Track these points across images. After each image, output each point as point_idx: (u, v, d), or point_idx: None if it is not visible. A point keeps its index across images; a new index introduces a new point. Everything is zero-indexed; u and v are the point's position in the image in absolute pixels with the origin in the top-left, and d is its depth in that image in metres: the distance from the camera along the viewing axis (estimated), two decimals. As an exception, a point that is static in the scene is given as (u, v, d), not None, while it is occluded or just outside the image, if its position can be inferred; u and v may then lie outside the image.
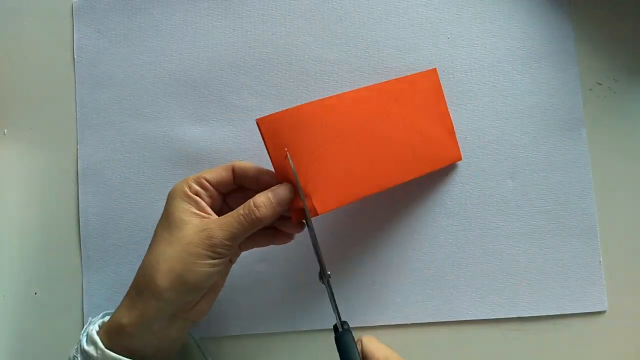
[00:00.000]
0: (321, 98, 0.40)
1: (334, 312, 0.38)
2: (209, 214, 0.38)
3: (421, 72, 0.46)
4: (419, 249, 0.46)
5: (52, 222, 0.49)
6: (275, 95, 0.48)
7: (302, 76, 0.48)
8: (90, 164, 0.49)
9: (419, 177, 0.43)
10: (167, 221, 0.38)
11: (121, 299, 0.47)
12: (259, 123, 0.38)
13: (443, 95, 0.46)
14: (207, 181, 0.39)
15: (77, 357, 0.38)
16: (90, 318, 0.41)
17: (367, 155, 0.41)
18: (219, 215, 0.38)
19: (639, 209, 0.45)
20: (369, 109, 0.41)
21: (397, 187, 0.42)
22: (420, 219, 0.46)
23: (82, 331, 0.39)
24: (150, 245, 0.39)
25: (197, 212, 0.38)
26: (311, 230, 0.38)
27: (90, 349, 0.37)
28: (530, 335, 0.44)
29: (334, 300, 0.38)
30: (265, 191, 0.38)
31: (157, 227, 0.39)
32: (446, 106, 0.46)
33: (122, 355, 0.36)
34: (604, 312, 0.44)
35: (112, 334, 0.37)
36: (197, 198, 0.38)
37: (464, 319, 0.45)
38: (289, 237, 0.41)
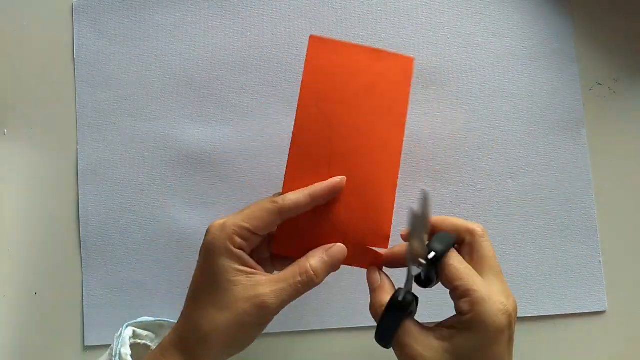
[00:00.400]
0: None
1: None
2: (254, 268, 0.35)
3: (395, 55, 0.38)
4: (419, 249, 0.46)
5: (52, 222, 0.49)
6: (276, 95, 0.48)
7: (301, 76, 0.48)
8: (90, 164, 0.49)
9: None
10: (210, 280, 0.35)
11: (121, 298, 0.47)
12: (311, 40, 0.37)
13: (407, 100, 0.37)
14: (250, 231, 0.35)
15: None
16: (121, 328, 0.40)
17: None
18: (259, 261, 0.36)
19: (639, 209, 0.45)
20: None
21: (398, 186, 0.42)
22: (420, 219, 0.46)
23: (116, 347, 0.38)
24: (192, 303, 0.36)
25: (243, 268, 0.35)
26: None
27: None
28: (530, 335, 0.44)
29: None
30: (319, 252, 0.36)
31: (197, 282, 0.36)
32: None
33: None
34: (604, 312, 0.44)
35: None
36: (241, 253, 0.35)
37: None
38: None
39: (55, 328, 0.48)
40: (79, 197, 0.49)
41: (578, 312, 0.44)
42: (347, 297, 0.46)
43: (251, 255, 0.36)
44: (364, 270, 0.46)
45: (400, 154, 0.36)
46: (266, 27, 0.49)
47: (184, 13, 0.50)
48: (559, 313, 0.44)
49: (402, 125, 0.37)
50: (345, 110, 0.37)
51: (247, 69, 0.49)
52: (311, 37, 0.37)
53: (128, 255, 0.48)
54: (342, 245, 0.36)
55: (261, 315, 0.34)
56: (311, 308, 0.46)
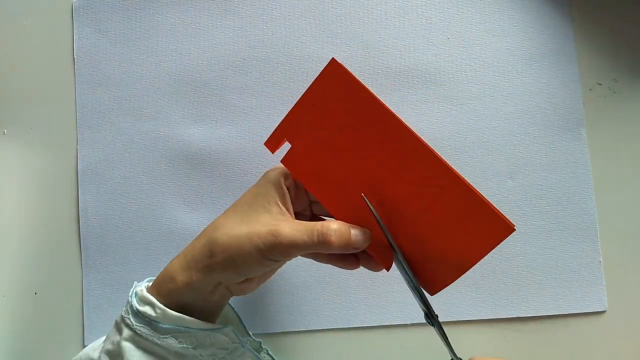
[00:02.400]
0: (394, 114, 0.35)
1: (449, 350, 0.36)
2: (289, 211, 0.37)
3: (496, 215, 0.33)
4: (419, 249, 0.46)
5: (52, 222, 0.49)
6: (275, 95, 0.48)
7: (302, 76, 0.48)
8: (90, 164, 0.49)
9: None
10: (251, 198, 0.37)
11: (121, 298, 0.47)
12: (332, 62, 0.35)
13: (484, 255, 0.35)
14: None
15: (128, 319, 0.37)
16: (135, 282, 0.40)
17: (367, 190, 0.36)
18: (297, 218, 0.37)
19: (639, 209, 0.45)
20: (415, 171, 0.35)
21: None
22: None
23: (131, 294, 0.38)
24: (226, 211, 0.38)
25: (280, 205, 0.37)
26: (407, 274, 0.35)
27: (147, 309, 0.37)
28: (530, 335, 0.44)
29: (447, 339, 0.36)
30: (347, 225, 0.35)
31: (241, 198, 0.38)
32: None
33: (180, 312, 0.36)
34: (604, 312, 0.44)
35: (163, 290, 0.37)
36: (287, 192, 0.37)
37: (464, 319, 0.45)
38: (355, 264, 0.39)
39: (55, 328, 0.48)
40: (79, 197, 0.49)
41: (578, 312, 0.44)
42: (346, 297, 0.46)
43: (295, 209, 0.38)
44: (363, 270, 0.46)
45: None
46: (266, 27, 0.49)
47: (184, 13, 0.50)
48: (559, 313, 0.44)
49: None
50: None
51: (247, 69, 0.49)
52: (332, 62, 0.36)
53: (128, 255, 0.48)
54: (370, 232, 0.36)
55: (268, 242, 0.34)
56: (311, 308, 0.46)
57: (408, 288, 0.36)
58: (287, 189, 0.37)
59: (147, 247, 0.48)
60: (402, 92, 0.47)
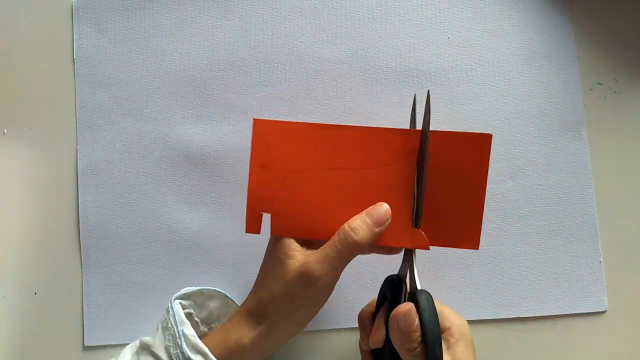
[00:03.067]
0: (328, 124, 0.37)
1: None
2: (312, 248, 0.37)
3: (471, 133, 0.36)
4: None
5: (52, 222, 0.49)
6: (275, 95, 0.48)
7: (301, 76, 0.48)
8: (90, 164, 0.49)
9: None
10: (273, 254, 0.37)
11: (121, 298, 0.47)
12: (255, 123, 0.37)
13: (486, 171, 0.36)
14: None
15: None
16: (169, 307, 0.40)
17: (353, 199, 0.37)
18: None
19: (639, 209, 0.45)
20: (380, 152, 0.36)
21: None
22: (420, 219, 0.46)
23: (179, 334, 0.38)
24: (259, 278, 0.39)
25: (300, 247, 0.37)
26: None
27: (199, 359, 0.37)
28: (530, 335, 0.44)
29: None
30: (360, 213, 0.36)
31: (264, 258, 0.39)
32: (485, 185, 0.36)
33: None
34: (604, 312, 0.44)
35: (225, 350, 0.37)
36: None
37: (465, 319, 0.45)
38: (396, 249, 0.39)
39: (55, 328, 0.48)
40: (79, 197, 0.49)
41: (578, 312, 0.44)
42: (346, 298, 0.46)
43: None
44: (364, 270, 0.46)
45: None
46: (266, 27, 0.49)
47: (184, 13, 0.50)
48: (559, 313, 0.44)
49: None
50: None
51: (247, 69, 0.49)
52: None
53: (128, 255, 0.48)
54: (384, 203, 0.36)
55: (306, 284, 0.35)
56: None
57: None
58: None
59: (147, 247, 0.48)
60: (402, 92, 0.47)
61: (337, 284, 0.46)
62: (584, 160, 0.45)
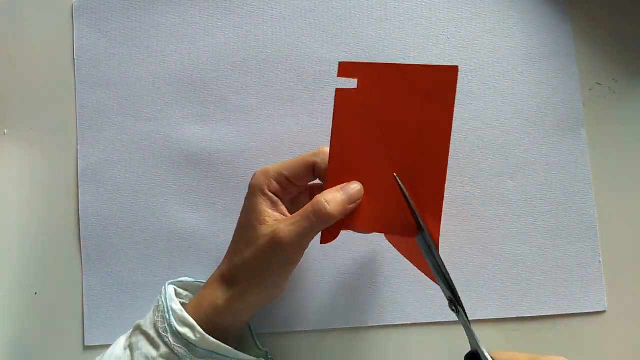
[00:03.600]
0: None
1: (471, 339, 0.34)
2: (283, 214, 0.38)
3: (437, 66, 0.34)
4: (419, 249, 0.46)
5: (52, 222, 0.49)
6: (275, 95, 0.48)
7: (301, 76, 0.48)
8: (90, 164, 0.49)
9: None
10: (245, 218, 0.38)
11: (121, 298, 0.47)
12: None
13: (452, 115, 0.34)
14: (287, 178, 0.38)
15: (167, 337, 0.37)
16: (164, 288, 0.40)
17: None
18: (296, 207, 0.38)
19: (639, 209, 0.45)
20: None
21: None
22: (420, 219, 0.46)
23: (167, 310, 0.39)
24: (232, 242, 0.40)
25: (272, 212, 0.38)
26: (434, 255, 0.34)
27: (186, 332, 0.37)
28: (530, 335, 0.44)
29: (470, 327, 0.34)
30: (334, 188, 0.36)
31: (238, 221, 0.40)
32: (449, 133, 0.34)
33: (216, 337, 0.37)
34: (604, 312, 0.44)
35: (201, 313, 0.38)
36: (275, 198, 0.38)
37: (464, 319, 0.45)
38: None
39: (55, 328, 0.48)
40: (79, 197, 0.49)
41: (578, 312, 0.44)
42: (345, 297, 0.46)
43: (291, 203, 0.40)
44: (363, 270, 0.46)
45: (447, 159, 0.34)
46: (266, 27, 0.49)
47: (184, 13, 0.50)
48: (558, 313, 0.44)
49: (449, 129, 0.35)
50: (391, 120, 0.35)
51: (247, 69, 0.49)
52: (340, 63, 0.36)
53: (128, 255, 0.48)
54: (357, 182, 0.36)
55: (275, 249, 0.36)
56: (311, 308, 0.46)
57: (426, 277, 0.36)
58: (274, 193, 0.38)
59: (147, 247, 0.48)
60: (402, 92, 0.47)
61: (337, 283, 0.46)
62: (584, 160, 0.45)
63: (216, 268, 0.40)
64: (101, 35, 0.50)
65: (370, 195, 0.36)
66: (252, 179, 0.39)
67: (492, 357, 0.32)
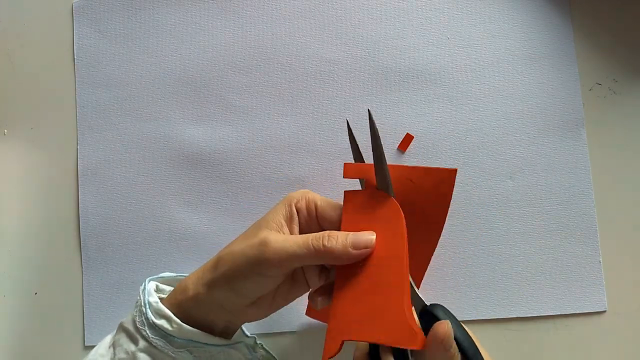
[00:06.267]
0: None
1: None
2: (291, 229, 0.37)
3: (434, 168, 0.36)
4: (419, 249, 0.46)
5: (52, 222, 0.49)
6: (276, 95, 0.48)
7: (302, 76, 0.48)
8: (90, 164, 0.49)
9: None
10: (261, 218, 0.38)
11: (121, 298, 0.47)
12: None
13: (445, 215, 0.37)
14: (316, 208, 0.37)
15: (144, 331, 0.37)
16: (144, 284, 0.40)
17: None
18: None
19: (639, 208, 0.45)
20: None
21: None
22: (420, 219, 0.46)
23: (144, 302, 0.38)
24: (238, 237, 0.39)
25: (284, 223, 0.37)
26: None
27: (163, 323, 0.37)
28: (530, 335, 0.44)
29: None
30: (346, 232, 0.35)
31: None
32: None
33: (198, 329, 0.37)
34: (604, 312, 0.44)
35: (174, 300, 0.38)
36: (295, 213, 0.37)
37: (464, 319, 0.45)
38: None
39: (55, 328, 0.48)
40: (79, 197, 0.49)
41: (578, 312, 0.44)
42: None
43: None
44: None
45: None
46: (266, 27, 0.49)
47: (185, 13, 0.50)
48: (558, 313, 0.44)
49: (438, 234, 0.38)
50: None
51: (247, 70, 0.49)
52: (345, 165, 0.37)
53: (128, 255, 0.48)
54: (373, 233, 0.34)
55: (260, 252, 0.34)
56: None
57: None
58: (297, 210, 0.37)
59: (147, 247, 0.48)
60: (401, 92, 0.47)
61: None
62: (584, 161, 0.45)
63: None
64: (101, 35, 0.50)
65: (370, 299, 0.33)
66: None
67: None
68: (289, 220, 0.37)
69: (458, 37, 0.47)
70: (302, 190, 0.38)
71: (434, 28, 0.47)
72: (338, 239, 0.34)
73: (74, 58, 0.50)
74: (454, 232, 0.46)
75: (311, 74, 0.48)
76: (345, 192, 0.37)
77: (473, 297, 0.45)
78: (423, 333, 0.32)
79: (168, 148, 0.49)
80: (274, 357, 0.45)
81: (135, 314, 0.38)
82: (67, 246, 0.49)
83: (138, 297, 0.39)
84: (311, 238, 0.34)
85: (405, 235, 0.34)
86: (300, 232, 0.37)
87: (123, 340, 0.38)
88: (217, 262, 0.37)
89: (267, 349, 0.44)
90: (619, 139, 0.46)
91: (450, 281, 0.45)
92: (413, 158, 0.46)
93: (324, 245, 0.33)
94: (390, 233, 0.34)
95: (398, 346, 0.32)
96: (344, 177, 0.37)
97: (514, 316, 0.45)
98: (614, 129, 0.46)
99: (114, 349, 0.38)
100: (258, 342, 0.43)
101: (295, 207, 0.37)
